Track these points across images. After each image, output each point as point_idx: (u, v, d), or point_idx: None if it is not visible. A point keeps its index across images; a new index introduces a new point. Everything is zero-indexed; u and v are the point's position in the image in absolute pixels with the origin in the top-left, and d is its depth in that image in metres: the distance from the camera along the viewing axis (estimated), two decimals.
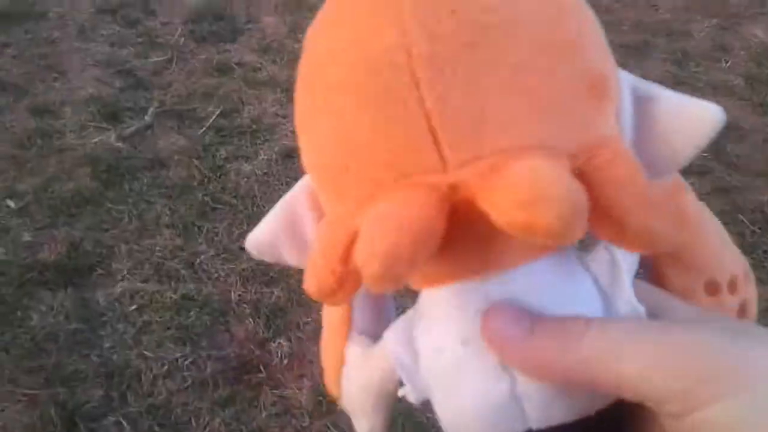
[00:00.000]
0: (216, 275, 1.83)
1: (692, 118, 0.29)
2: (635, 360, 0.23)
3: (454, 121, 0.25)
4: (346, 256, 0.27)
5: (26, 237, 1.85)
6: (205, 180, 2.12)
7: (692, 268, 0.32)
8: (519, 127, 0.25)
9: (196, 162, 2.18)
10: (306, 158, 0.31)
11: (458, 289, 0.28)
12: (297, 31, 2.86)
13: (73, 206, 1.95)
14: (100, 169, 2.08)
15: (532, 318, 0.26)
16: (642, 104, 0.29)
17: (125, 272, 1.79)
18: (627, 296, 0.27)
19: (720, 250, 0.33)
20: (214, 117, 2.40)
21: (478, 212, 0.24)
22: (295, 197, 0.35)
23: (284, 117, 2.38)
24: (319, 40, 0.29)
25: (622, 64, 0.29)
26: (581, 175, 0.25)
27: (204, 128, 2.35)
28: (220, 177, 2.14)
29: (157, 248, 1.87)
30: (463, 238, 0.27)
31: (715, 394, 0.22)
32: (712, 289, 0.32)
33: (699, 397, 0.22)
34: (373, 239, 0.24)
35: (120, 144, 2.21)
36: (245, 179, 2.12)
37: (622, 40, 2.84)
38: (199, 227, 1.97)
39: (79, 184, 2.02)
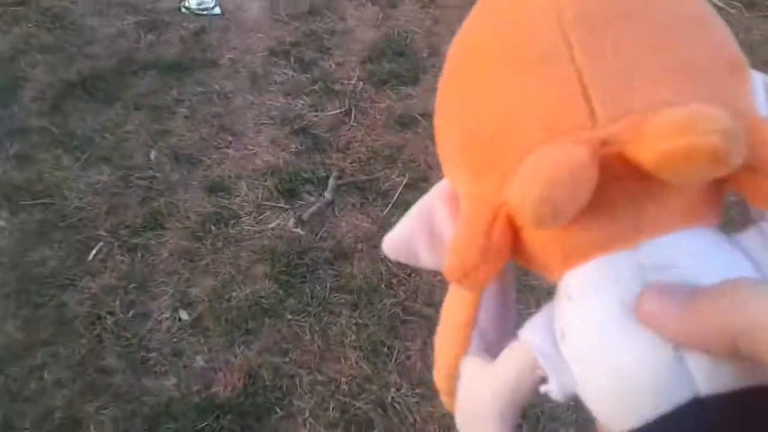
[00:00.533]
0: (411, 419, 1.53)
1: None
2: None
3: (605, 77, 0.27)
4: (491, 231, 0.29)
5: (200, 362, 1.64)
6: (394, 281, 1.82)
7: None
8: (670, 85, 0.27)
9: (381, 254, 1.87)
10: (448, 145, 0.32)
11: (606, 260, 0.28)
12: None
13: (250, 318, 1.72)
14: (279, 268, 1.83)
15: (686, 293, 0.24)
16: None
17: (307, 414, 1.53)
18: None
19: None
20: (399, 190, 2.08)
21: (630, 170, 0.25)
22: (432, 199, 0.35)
23: None
24: (471, 23, 0.32)
25: None
26: None
27: (389, 205, 2.04)
28: (410, 276, 1.83)
29: (343, 380, 1.59)
30: (614, 202, 0.27)
31: None
32: None
33: None
34: (531, 171, 0.25)
35: (299, 230, 1.96)
36: (440, 279, 1.79)
37: None
38: (389, 348, 1.67)
39: (257, 287, 1.78)
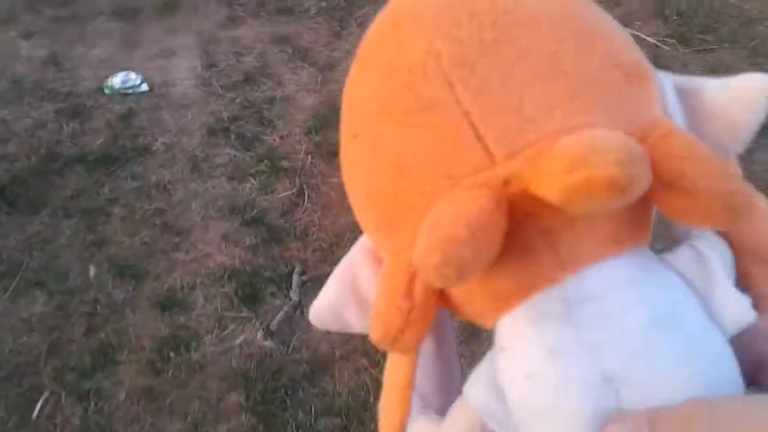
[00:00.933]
0: None
1: (741, 91, 0.29)
2: None
3: (495, 114, 0.26)
4: (410, 291, 0.27)
5: None
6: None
7: None
8: (563, 110, 0.26)
9: (364, 361, 1.72)
10: (357, 205, 0.32)
11: (533, 302, 0.27)
12: None
13: None
14: (255, 396, 1.64)
15: (648, 418, 0.24)
16: (688, 97, 0.29)
17: None
18: (724, 287, 0.26)
19: None
20: None
21: (541, 204, 0.24)
22: (354, 258, 0.34)
23: None
24: (353, 80, 0.32)
25: None
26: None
27: None
28: None
29: None
30: (531, 239, 0.26)
31: None
32: None
33: None
34: (427, 234, 0.24)
35: (269, 343, 1.77)
36: None
37: None
38: None
39: (233, 425, 1.59)
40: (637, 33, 2.95)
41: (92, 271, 1.92)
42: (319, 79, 2.69)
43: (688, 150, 0.25)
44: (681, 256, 0.28)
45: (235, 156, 2.34)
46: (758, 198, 0.30)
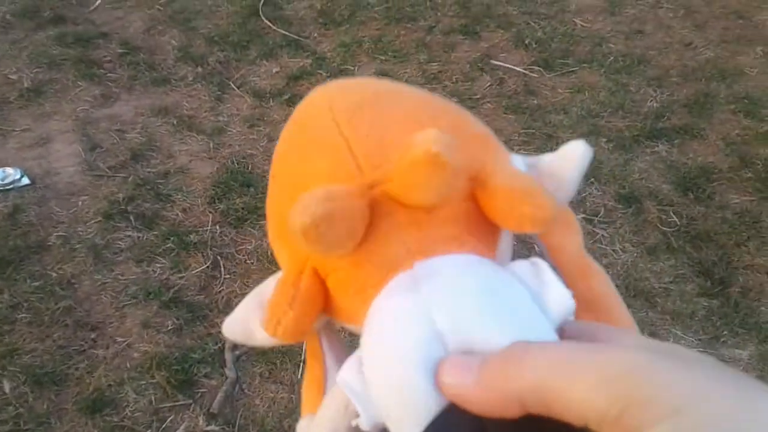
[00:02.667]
0: None
1: (568, 156, 0.39)
2: (576, 384, 0.24)
3: (366, 141, 0.35)
4: (297, 281, 0.34)
5: None
6: None
7: (603, 319, 0.40)
8: None
9: None
10: (270, 227, 0.40)
11: (389, 285, 0.32)
12: None
13: None
14: None
15: (479, 361, 0.27)
16: (533, 168, 0.39)
17: None
18: (552, 286, 0.31)
19: (623, 304, 0.42)
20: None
21: (397, 206, 0.33)
22: (265, 283, 0.40)
23: None
24: (279, 140, 0.42)
25: None
26: (476, 183, 0.34)
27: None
28: None
29: None
30: (389, 233, 0.33)
31: (651, 418, 0.22)
32: None
33: (637, 420, 0.22)
34: (304, 200, 0.30)
35: (212, 426, 1.71)
36: None
37: None
38: None
39: None
40: (503, 64, 3.14)
41: (7, 386, 1.78)
42: (211, 145, 2.66)
43: (510, 172, 0.35)
44: (518, 264, 0.33)
45: (138, 238, 2.26)
46: (571, 221, 0.42)
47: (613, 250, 2.22)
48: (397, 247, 0.33)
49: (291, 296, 0.34)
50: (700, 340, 1.96)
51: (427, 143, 0.29)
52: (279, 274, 0.39)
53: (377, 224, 0.33)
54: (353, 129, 0.36)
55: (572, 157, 0.39)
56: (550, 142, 2.64)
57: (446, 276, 0.31)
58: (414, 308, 0.30)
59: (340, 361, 0.39)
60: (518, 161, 0.39)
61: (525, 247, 1.42)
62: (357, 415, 0.31)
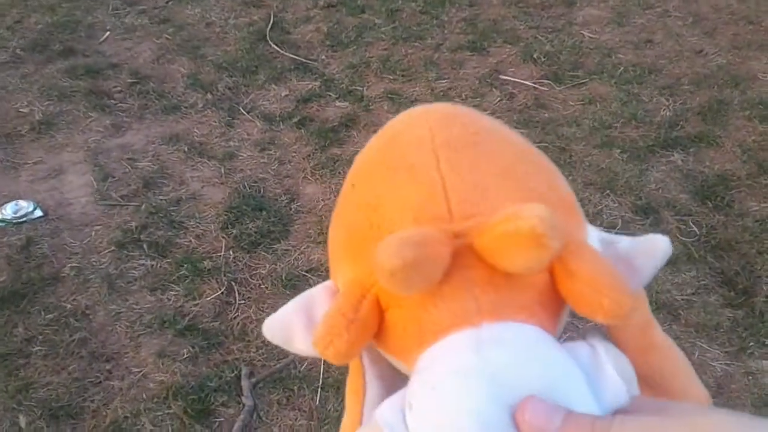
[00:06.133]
0: None
1: (648, 250, 0.38)
2: None
3: (463, 185, 0.35)
4: (359, 305, 0.34)
5: None
6: None
7: (666, 395, 0.39)
8: (513, 202, 0.34)
9: None
10: (335, 243, 0.40)
11: (452, 337, 0.32)
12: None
13: None
14: None
15: (564, 413, 0.28)
16: (608, 245, 0.39)
17: None
18: (607, 374, 0.32)
19: (689, 377, 0.41)
20: (322, 366, 1.88)
21: (478, 261, 0.33)
22: (315, 291, 0.40)
23: None
24: (364, 148, 0.42)
25: None
26: (558, 259, 0.33)
27: (318, 389, 1.83)
28: None
29: None
30: (463, 286, 0.33)
31: None
32: None
33: None
34: (393, 239, 0.30)
35: None
36: None
37: None
38: None
39: None
40: (513, 79, 3.12)
41: (23, 421, 1.76)
42: (222, 170, 2.65)
43: (592, 256, 0.34)
44: (578, 346, 0.33)
45: (152, 266, 2.25)
46: (653, 325, 0.41)
47: None
48: (468, 302, 0.33)
49: (349, 320, 0.34)
50: (726, 352, 1.91)
51: (533, 220, 0.29)
52: (328, 283, 0.40)
53: (452, 273, 0.32)
54: (451, 168, 0.36)
55: (652, 253, 0.38)
56: (563, 155, 2.62)
57: (514, 350, 0.31)
58: (479, 369, 0.30)
59: (382, 378, 0.40)
60: (593, 235, 0.39)
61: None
62: None
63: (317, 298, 0.40)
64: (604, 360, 0.32)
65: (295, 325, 0.39)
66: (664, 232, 2.30)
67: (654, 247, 0.38)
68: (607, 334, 0.39)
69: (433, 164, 0.36)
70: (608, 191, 2.45)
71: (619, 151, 2.65)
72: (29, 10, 3.78)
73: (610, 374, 0.32)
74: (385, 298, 0.35)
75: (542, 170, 0.39)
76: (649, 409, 0.31)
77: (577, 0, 3.73)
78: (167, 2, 3.87)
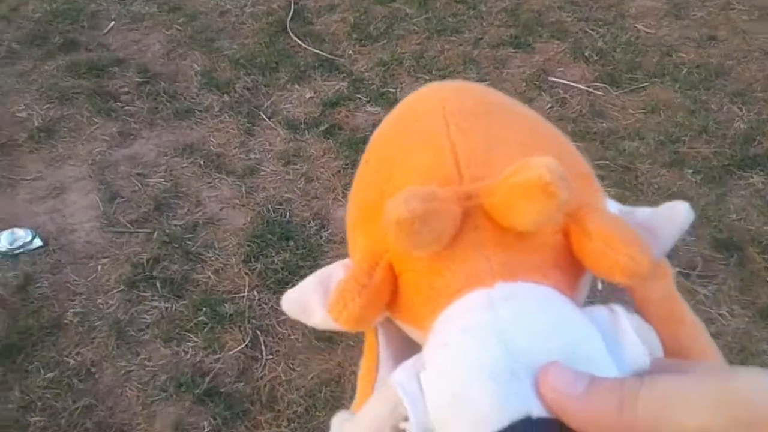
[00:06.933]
0: None
1: (669, 215, 0.38)
2: (693, 414, 0.25)
3: (472, 150, 0.37)
4: (372, 272, 0.35)
5: None
6: None
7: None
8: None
9: None
10: (351, 219, 0.42)
11: (465, 299, 0.33)
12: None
13: None
14: None
15: (589, 378, 0.27)
16: (627, 215, 0.39)
17: None
18: (627, 337, 0.31)
19: (717, 357, 0.40)
20: None
21: (488, 221, 0.33)
22: (333, 266, 0.41)
23: None
24: (380, 127, 0.44)
25: None
26: (572, 219, 0.34)
27: None
28: None
29: None
30: (474, 247, 0.33)
31: None
32: None
33: None
34: (403, 193, 0.31)
35: None
36: None
37: None
38: None
39: None
40: (563, 81, 2.80)
41: None
42: (243, 189, 2.36)
43: (609, 216, 0.36)
44: (597, 309, 0.33)
45: (166, 309, 1.97)
46: (679, 300, 0.40)
47: (720, 314, 1.89)
48: (480, 262, 0.33)
49: (362, 285, 0.35)
50: None
51: (541, 169, 0.30)
52: (346, 261, 0.41)
53: (464, 235, 0.33)
54: (462, 134, 0.38)
55: (674, 218, 0.38)
56: (628, 176, 2.31)
57: (525, 305, 0.31)
58: (491, 326, 0.30)
59: (398, 357, 0.40)
60: (613, 207, 0.39)
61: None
62: (405, 419, 0.31)
63: (335, 273, 0.40)
64: (624, 322, 0.32)
65: (312, 300, 0.39)
66: (752, 274, 2.00)
67: (674, 214, 0.38)
68: (634, 307, 0.37)
69: (443, 131, 0.38)
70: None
71: (691, 171, 2.34)
72: None
73: (630, 336, 0.31)
74: (399, 264, 0.36)
75: (557, 142, 0.41)
76: (675, 369, 0.29)
77: None
78: None
